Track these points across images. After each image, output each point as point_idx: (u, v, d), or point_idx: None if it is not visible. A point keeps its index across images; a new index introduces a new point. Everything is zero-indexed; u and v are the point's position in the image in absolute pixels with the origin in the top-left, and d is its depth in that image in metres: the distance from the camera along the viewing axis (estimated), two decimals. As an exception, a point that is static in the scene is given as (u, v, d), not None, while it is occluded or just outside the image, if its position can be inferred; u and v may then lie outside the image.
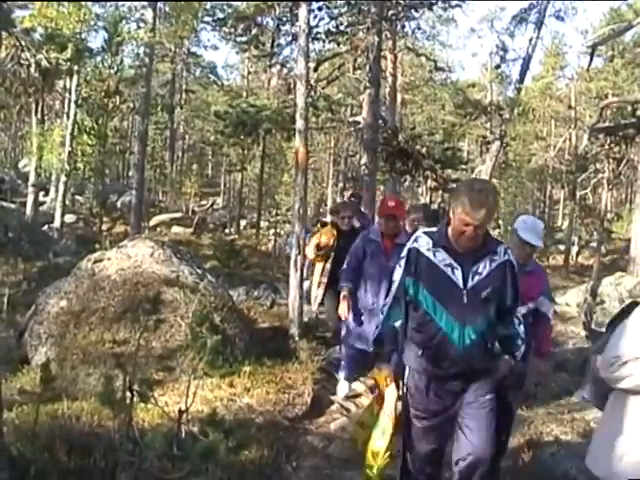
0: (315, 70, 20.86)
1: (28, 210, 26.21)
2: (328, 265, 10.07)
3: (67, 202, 28.50)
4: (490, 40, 51.87)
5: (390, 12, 20.39)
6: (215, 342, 4.85)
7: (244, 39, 21.83)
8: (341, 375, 8.84)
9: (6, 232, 17.95)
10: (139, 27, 28.07)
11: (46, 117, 30.18)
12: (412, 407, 4.89)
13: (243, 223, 40.59)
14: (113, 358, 6.15)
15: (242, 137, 27.31)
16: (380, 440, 5.15)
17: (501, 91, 49.80)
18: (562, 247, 42.62)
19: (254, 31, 20.79)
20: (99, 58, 24.68)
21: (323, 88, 22.85)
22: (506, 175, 49.34)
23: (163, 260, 9.21)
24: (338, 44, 21.30)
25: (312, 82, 17.96)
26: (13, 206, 29.10)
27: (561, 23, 50.41)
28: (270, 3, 19.57)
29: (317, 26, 19.56)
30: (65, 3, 22.19)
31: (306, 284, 11.23)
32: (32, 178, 26.57)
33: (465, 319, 4.59)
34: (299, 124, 10.27)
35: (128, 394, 4.51)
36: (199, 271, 9.59)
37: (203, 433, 4.49)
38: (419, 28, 27.29)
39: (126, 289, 8.57)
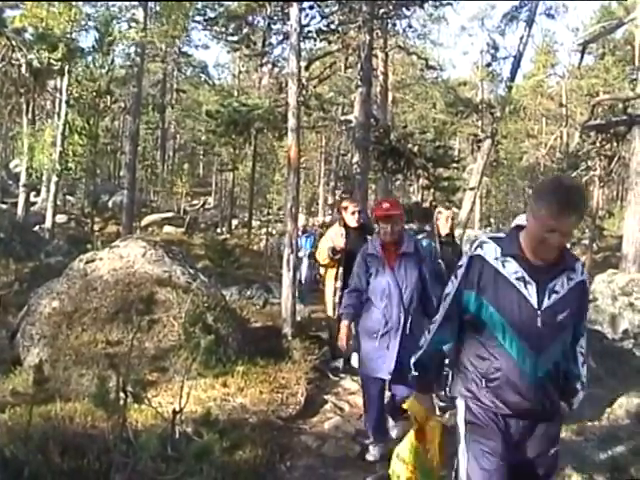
0: (307, 69, 20.84)
1: (19, 210, 26.17)
2: (341, 269, 9.54)
3: (58, 202, 28.48)
4: (481, 38, 52.06)
5: (381, 10, 20.35)
6: (208, 342, 4.83)
7: (235, 38, 21.77)
8: (369, 438, 7.03)
9: (-3, 232, 17.95)
10: (130, 27, 27.98)
11: (37, 117, 30.17)
12: (465, 446, 4.01)
13: (235, 223, 40.55)
14: (106, 359, 6.12)
15: (234, 136, 27.24)
16: None
17: (492, 89, 49.93)
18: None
19: (245, 30, 20.74)
20: (90, 58, 24.63)
21: (315, 87, 22.82)
22: (497, 173, 49.50)
23: (155, 260, 9.19)
24: (329, 43, 21.29)
25: (304, 81, 17.92)
26: (4, 206, 29.12)
27: (552, 21, 50.52)
28: (261, 2, 19.54)
29: (308, 25, 19.52)
30: (55, 3, 22.15)
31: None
32: (23, 178, 26.53)
33: (539, 346, 3.78)
34: (291, 123, 10.25)
35: (122, 395, 4.49)
36: (191, 271, 9.57)
37: (197, 434, 4.48)
38: (410, 26, 27.22)
39: (118, 289, 8.56)
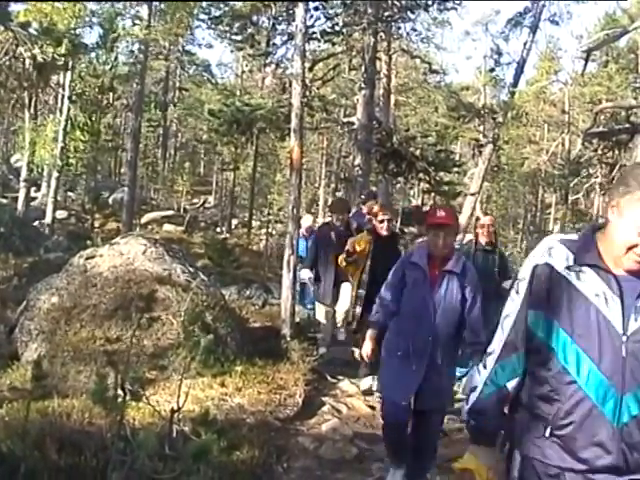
0: (310, 70, 20.85)
1: (19, 205, 26.11)
2: (365, 276, 9.20)
3: (59, 198, 28.41)
4: (485, 43, 51.79)
5: (386, 13, 20.37)
6: (208, 341, 4.82)
7: (239, 38, 21.80)
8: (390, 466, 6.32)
9: (-3, 227, 17.93)
10: (134, 24, 28.00)
11: (39, 112, 30.11)
12: None
13: (234, 222, 40.48)
14: (105, 356, 6.11)
15: (236, 136, 27.26)
16: None
17: (495, 94, 49.96)
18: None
19: (250, 30, 20.77)
20: (94, 54, 24.65)
21: (318, 88, 22.84)
22: (498, 179, 49.46)
23: (155, 258, 9.17)
24: (333, 44, 21.29)
25: (307, 82, 17.94)
26: (4, 201, 29.05)
27: (556, 27, 50.50)
28: (266, 2, 19.56)
29: (313, 26, 19.52)
30: (60, -2, 22.15)
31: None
32: (24, 173, 26.47)
33: (624, 382, 2.89)
34: (294, 124, 10.23)
35: (120, 392, 4.48)
36: (191, 269, 9.55)
37: (195, 433, 4.46)
38: (414, 30, 27.27)
39: (118, 286, 8.54)
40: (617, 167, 28.68)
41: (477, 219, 9.24)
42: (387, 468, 6.33)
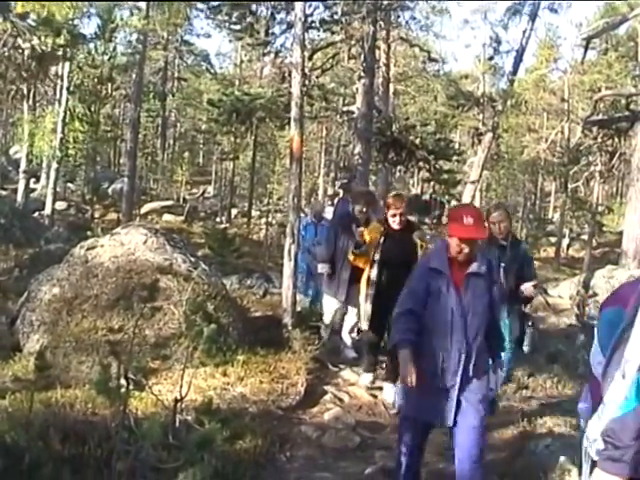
0: (310, 59, 20.81)
1: (19, 197, 26.13)
2: (374, 271, 8.33)
3: (58, 189, 28.43)
4: (484, 32, 51.70)
5: (385, 2, 20.31)
6: (211, 331, 4.83)
7: (238, 27, 21.74)
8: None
9: (-3, 218, 17.94)
10: (132, 14, 27.94)
11: (38, 104, 30.09)
12: None
13: (234, 212, 40.51)
14: (107, 346, 6.11)
15: (235, 125, 27.24)
16: None
17: (494, 83, 49.96)
18: (553, 239, 42.79)
19: (249, 19, 20.69)
20: (92, 45, 24.60)
21: (317, 77, 22.80)
22: (498, 167, 49.51)
23: (156, 248, 9.16)
24: (332, 33, 21.23)
25: (307, 71, 17.91)
26: (4, 193, 29.08)
27: (555, 15, 50.45)
28: (266, -9, 19.54)
29: (312, 15, 19.46)
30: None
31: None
32: (23, 165, 26.49)
33: None
34: (294, 113, 10.21)
35: (123, 382, 4.48)
36: (192, 259, 9.54)
37: (198, 422, 4.47)
38: (413, 18, 27.26)
39: (119, 276, 8.53)
40: (617, 155, 28.70)
41: (488, 213, 8.10)
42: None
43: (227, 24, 22.32)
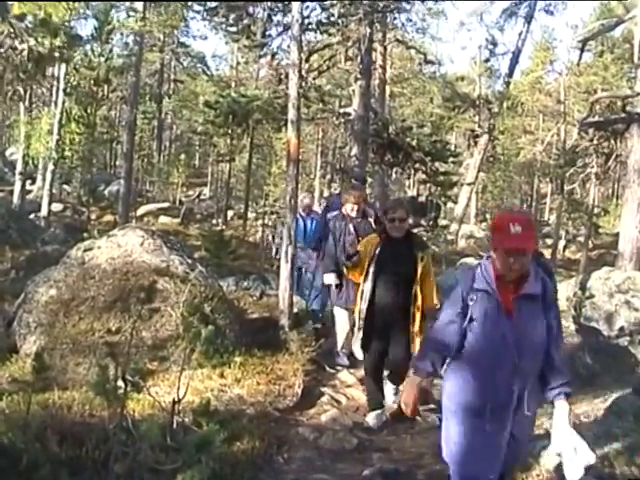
0: (307, 61, 20.83)
1: (15, 199, 26.10)
2: (368, 285, 7.59)
3: (54, 191, 28.39)
4: (480, 34, 51.88)
5: (381, 4, 20.33)
6: (209, 332, 4.83)
7: (235, 29, 21.74)
8: None
9: (-6, 220, 17.94)
10: (129, 16, 27.94)
11: (34, 105, 30.09)
12: None
13: (230, 214, 40.46)
14: (105, 347, 6.11)
15: (232, 127, 27.26)
16: None
17: (490, 85, 49.95)
18: (549, 241, 42.75)
19: (245, 21, 20.70)
20: (88, 46, 24.57)
21: (314, 79, 22.82)
22: (494, 169, 49.59)
23: (153, 250, 9.16)
24: (329, 35, 21.25)
25: (304, 73, 17.93)
26: (0, 194, 29.01)
27: (551, 17, 50.72)
28: (263, -7, 19.55)
29: (309, 17, 19.48)
30: (54, -10, 22.09)
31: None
32: (19, 166, 26.48)
33: None
34: (291, 114, 10.22)
35: (121, 384, 4.48)
36: (189, 261, 9.54)
37: (196, 424, 4.47)
38: (410, 20, 27.32)
39: (116, 278, 8.54)
40: (613, 157, 28.75)
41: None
42: None
43: (224, 26, 22.32)
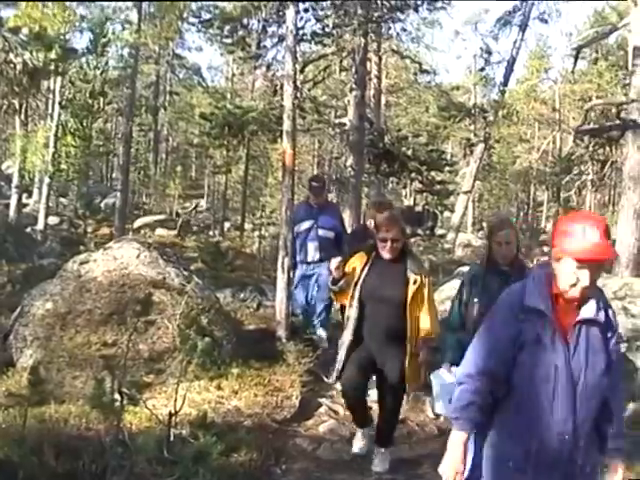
0: (301, 72, 20.86)
1: (11, 212, 26.09)
2: (353, 312, 6.60)
3: (50, 204, 28.41)
4: (474, 43, 51.98)
5: (376, 14, 20.35)
6: (206, 344, 4.83)
7: (230, 41, 21.79)
8: None
9: (-10, 234, 17.94)
10: (124, 28, 28.02)
11: (30, 119, 30.09)
12: None
13: (227, 225, 40.45)
14: (102, 360, 6.11)
15: (228, 139, 27.30)
16: None
17: (485, 94, 50.15)
18: (546, 249, 42.78)
19: (240, 33, 20.74)
20: (84, 59, 24.65)
21: (309, 90, 22.85)
22: (490, 177, 49.68)
23: (149, 262, 9.14)
24: (324, 46, 21.29)
25: (298, 83, 17.97)
26: (-4, 208, 29.01)
27: (545, 26, 50.93)
28: (256, 4, 19.54)
29: (303, 28, 19.50)
30: (50, 4, 22.15)
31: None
32: (15, 180, 26.46)
33: None
34: (286, 125, 10.22)
35: (117, 397, 4.47)
36: (185, 273, 9.52)
37: (193, 436, 4.47)
38: (404, 30, 27.27)
39: (112, 291, 8.51)
40: (608, 164, 28.80)
41: (491, 231, 6.35)
42: None
43: (218, 37, 22.38)
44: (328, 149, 49.19)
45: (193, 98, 55.79)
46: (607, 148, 27.43)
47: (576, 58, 26.53)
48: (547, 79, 50.76)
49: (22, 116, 26.85)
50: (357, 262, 6.66)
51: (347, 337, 6.60)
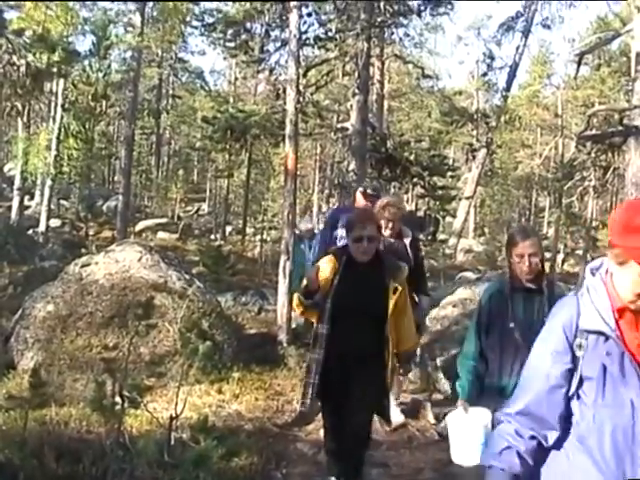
0: (304, 76, 20.87)
1: (13, 214, 26.12)
2: (324, 327, 5.36)
3: (52, 206, 28.41)
4: (477, 48, 51.94)
5: (379, 19, 20.38)
6: (207, 348, 4.81)
7: (233, 44, 21.82)
8: None
9: (-8, 236, 17.95)
10: (127, 31, 28.05)
11: (32, 121, 30.14)
12: None
13: (229, 229, 40.44)
14: (102, 363, 6.10)
15: (230, 143, 27.31)
16: None
17: (487, 99, 50.07)
18: (548, 255, 42.71)
19: (243, 36, 20.78)
20: (87, 62, 24.65)
21: (312, 94, 22.86)
22: (492, 183, 49.59)
23: (151, 265, 9.15)
24: (327, 50, 21.31)
25: (301, 88, 17.98)
26: (-2, 210, 29.03)
27: (548, 31, 50.95)
28: (260, 8, 19.57)
29: (306, 32, 19.55)
30: (53, 6, 22.18)
31: None
32: (17, 182, 26.48)
33: None
34: (289, 130, 10.23)
35: (118, 400, 4.46)
36: (187, 277, 9.53)
37: (194, 440, 4.45)
38: (407, 35, 27.35)
39: (114, 294, 8.52)
40: (610, 170, 28.74)
41: (510, 241, 5.05)
42: None
43: (222, 41, 22.41)
44: (330, 154, 49.07)
45: (195, 102, 55.78)
46: (609, 154, 27.35)
47: (579, 64, 26.52)
48: (550, 85, 50.84)
49: (25, 118, 26.92)
50: (326, 268, 5.41)
51: (318, 358, 5.38)
